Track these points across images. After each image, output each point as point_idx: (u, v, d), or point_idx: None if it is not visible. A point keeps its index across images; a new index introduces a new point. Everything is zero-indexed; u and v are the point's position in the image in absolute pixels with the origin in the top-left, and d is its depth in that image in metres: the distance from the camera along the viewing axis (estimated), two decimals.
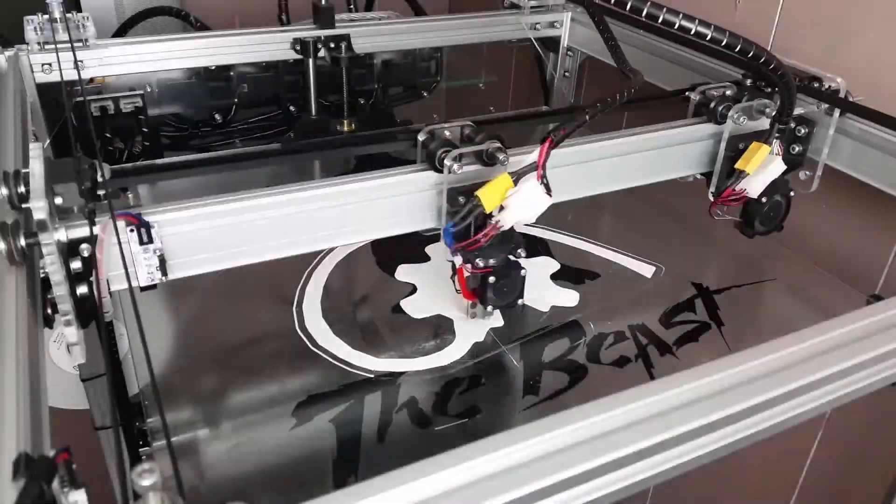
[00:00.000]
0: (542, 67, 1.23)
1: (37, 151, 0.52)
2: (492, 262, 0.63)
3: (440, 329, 0.69)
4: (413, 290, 0.75)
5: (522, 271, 0.66)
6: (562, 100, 1.22)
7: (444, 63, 1.24)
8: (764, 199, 0.75)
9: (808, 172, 0.81)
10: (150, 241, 0.55)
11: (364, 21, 1.08)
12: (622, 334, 0.70)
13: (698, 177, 0.79)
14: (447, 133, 0.65)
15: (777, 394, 0.47)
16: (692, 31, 0.61)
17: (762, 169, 0.73)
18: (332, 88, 1.08)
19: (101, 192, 0.55)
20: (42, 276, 0.52)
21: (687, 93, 0.78)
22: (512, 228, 0.62)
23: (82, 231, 0.53)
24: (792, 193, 0.78)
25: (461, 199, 0.62)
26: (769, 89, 0.79)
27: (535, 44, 1.15)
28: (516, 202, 0.60)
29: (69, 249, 0.53)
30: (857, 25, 0.87)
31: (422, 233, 0.66)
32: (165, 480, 0.32)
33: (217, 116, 1.11)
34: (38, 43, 0.86)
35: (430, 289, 0.77)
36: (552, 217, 0.86)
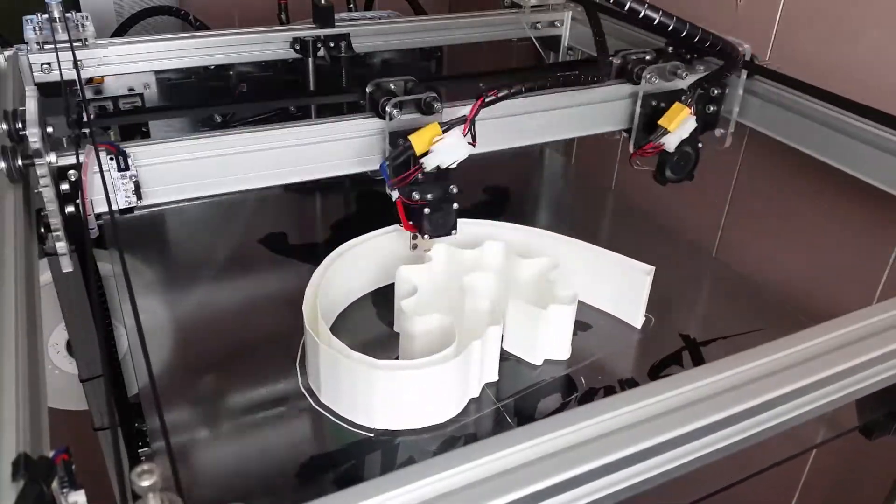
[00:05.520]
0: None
1: (31, 92, 0.63)
2: (428, 196, 0.73)
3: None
4: (413, 290, 0.75)
5: (455, 205, 0.75)
6: None
7: (444, 62, 1.24)
8: (674, 150, 0.85)
9: (722, 130, 0.90)
10: (127, 168, 0.65)
11: (364, 20, 1.08)
12: (612, 390, 0.72)
13: (624, 134, 0.89)
14: (392, 86, 0.74)
15: (774, 396, 0.47)
16: (656, 22, 0.74)
17: (679, 127, 0.83)
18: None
19: (86, 131, 0.66)
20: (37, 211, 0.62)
21: (610, 58, 0.87)
22: (447, 169, 0.72)
23: (70, 159, 0.63)
24: (700, 145, 0.88)
25: (401, 142, 0.71)
26: (689, 56, 0.89)
27: (536, 43, 1.15)
28: (440, 148, 0.70)
29: (59, 173, 0.63)
30: (857, 25, 0.87)
31: (368, 173, 0.75)
32: (165, 481, 0.32)
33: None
34: (38, 43, 0.86)
35: (431, 289, 0.77)
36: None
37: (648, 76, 0.84)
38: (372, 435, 0.66)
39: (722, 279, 0.99)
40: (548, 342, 0.74)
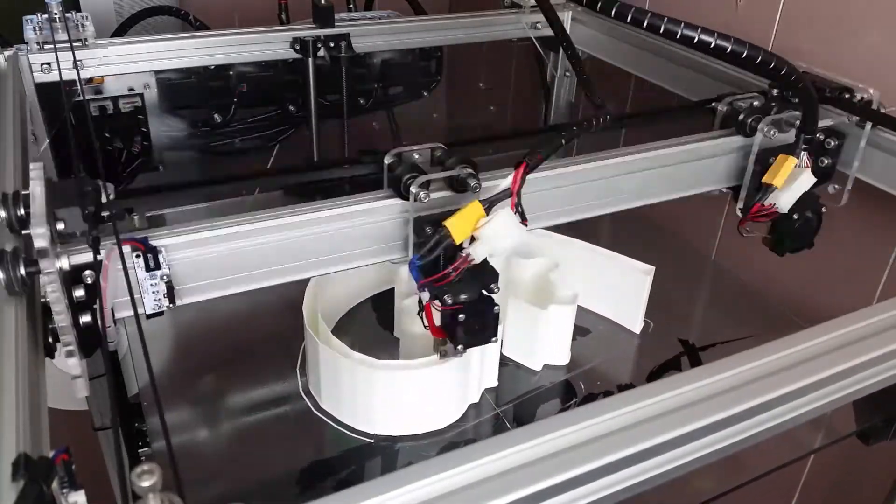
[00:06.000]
0: (542, 67, 1.23)
1: (37, 172, 0.50)
2: (463, 297, 0.57)
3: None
4: (414, 290, 0.75)
5: (496, 308, 0.59)
6: (562, 100, 1.22)
7: (444, 62, 1.24)
8: (795, 216, 0.72)
9: (837, 186, 0.79)
10: (158, 266, 0.52)
11: (364, 20, 1.08)
12: (611, 395, 0.72)
13: (724, 190, 0.76)
14: (416, 156, 0.60)
15: (773, 396, 0.47)
16: (712, 45, 0.59)
17: (791, 182, 0.70)
18: (332, 88, 1.08)
19: (104, 214, 0.52)
20: (43, 301, 0.50)
21: (713, 104, 0.75)
22: (485, 261, 0.57)
23: (85, 257, 0.50)
24: (823, 209, 0.74)
25: (429, 230, 0.56)
26: (797, 100, 0.75)
27: (536, 43, 1.15)
28: (488, 233, 0.55)
29: (72, 276, 0.50)
30: (857, 25, 0.87)
31: (390, 262, 0.62)
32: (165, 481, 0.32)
33: (216, 116, 1.11)
34: (38, 43, 0.86)
35: None
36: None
37: (766, 129, 0.70)
38: (372, 440, 0.66)
39: (721, 283, 0.99)
40: (547, 345, 0.74)
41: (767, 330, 0.81)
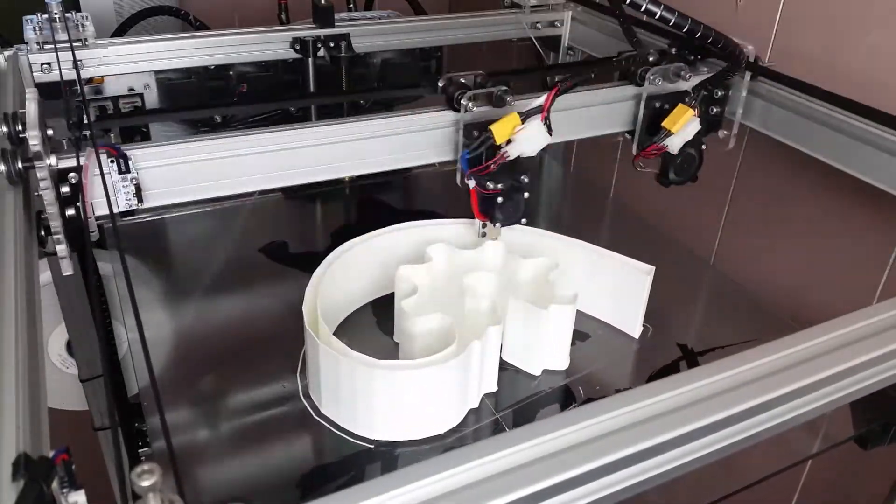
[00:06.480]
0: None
1: (32, 94, 0.62)
2: (500, 185, 0.75)
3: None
4: (413, 290, 0.75)
5: (525, 194, 0.77)
6: None
7: (444, 62, 1.24)
8: (679, 152, 0.85)
9: (725, 132, 0.90)
10: (128, 170, 0.65)
11: (364, 20, 1.08)
12: None
13: (627, 136, 0.89)
14: (463, 80, 0.77)
15: (773, 396, 0.47)
16: (657, 16, 0.75)
17: (682, 128, 0.83)
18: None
19: (86, 133, 0.66)
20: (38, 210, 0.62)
21: (614, 59, 0.88)
22: (518, 158, 0.74)
23: (71, 163, 0.62)
24: (703, 147, 0.88)
25: (475, 133, 0.74)
26: (692, 57, 0.89)
27: (536, 43, 1.15)
28: (522, 137, 0.72)
29: (59, 175, 0.62)
30: (857, 25, 0.87)
31: (437, 165, 0.79)
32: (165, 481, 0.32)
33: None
34: (38, 43, 0.86)
35: (431, 289, 0.77)
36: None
37: (652, 78, 0.83)
38: (372, 446, 0.66)
39: (720, 288, 0.99)
40: (547, 347, 0.74)
41: (767, 334, 0.81)
